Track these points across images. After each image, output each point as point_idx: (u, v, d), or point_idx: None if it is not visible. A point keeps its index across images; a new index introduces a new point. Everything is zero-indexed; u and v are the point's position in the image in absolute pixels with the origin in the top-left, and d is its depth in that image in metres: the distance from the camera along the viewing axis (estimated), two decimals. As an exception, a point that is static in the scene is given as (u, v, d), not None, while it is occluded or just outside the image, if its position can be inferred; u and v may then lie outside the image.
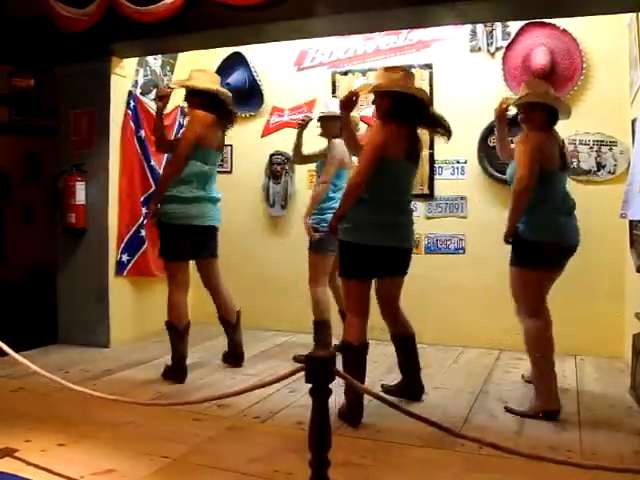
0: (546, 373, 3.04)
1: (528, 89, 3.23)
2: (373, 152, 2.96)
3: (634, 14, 3.71)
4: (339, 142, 3.87)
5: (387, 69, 3.15)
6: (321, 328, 4.08)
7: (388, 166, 2.98)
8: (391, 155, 2.97)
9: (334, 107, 3.97)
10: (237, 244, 5.35)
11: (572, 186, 4.35)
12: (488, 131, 4.55)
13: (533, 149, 3.03)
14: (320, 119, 4.16)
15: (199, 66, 5.20)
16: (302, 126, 4.23)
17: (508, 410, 3.12)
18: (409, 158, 3.07)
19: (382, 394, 2.63)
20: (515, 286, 3.17)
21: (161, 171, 4.85)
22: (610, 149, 4.27)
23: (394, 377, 3.76)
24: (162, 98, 3.84)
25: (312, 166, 4.48)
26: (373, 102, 3.21)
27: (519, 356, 3.75)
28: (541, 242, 3.06)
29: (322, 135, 4.18)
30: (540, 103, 3.17)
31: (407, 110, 3.03)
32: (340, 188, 3.91)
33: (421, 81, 4.79)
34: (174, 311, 3.76)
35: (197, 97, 3.76)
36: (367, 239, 3.00)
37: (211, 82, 3.82)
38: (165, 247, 3.77)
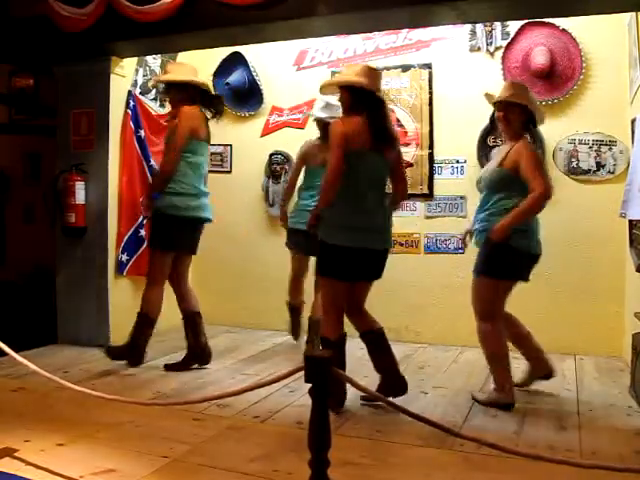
0: (500, 370, 3.17)
1: (510, 90, 3.23)
2: (336, 140, 3.01)
3: (634, 14, 3.72)
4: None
5: (349, 65, 3.25)
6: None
7: (355, 157, 3.01)
8: (355, 145, 3.01)
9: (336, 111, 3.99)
10: (237, 244, 5.36)
11: (572, 186, 4.38)
12: (487, 131, 4.56)
13: (537, 155, 3.16)
14: (317, 121, 4.18)
15: (198, 66, 5.22)
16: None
17: (473, 398, 3.29)
18: (375, 149, 3.08)
19: (381, 395, 2.62)
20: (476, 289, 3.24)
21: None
22: (610, 149, 4.27)
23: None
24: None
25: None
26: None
27: (518, 356, 3.74)
28: (518, 249, 3.11)
29: (320, 138, 4.20)
30: (520, 105, 3.18)
31: (363, 103, 3.07)
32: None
33: (421, 81, 4.80)
34: (156, 305, 3.87)
35: (176, 91, 3.79)
36: (340, 240, 3.05)
37: (189, 74, 3.84)
38: (161, 238, 3.79)
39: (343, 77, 3.23)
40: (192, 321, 3.91)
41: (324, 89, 3.34)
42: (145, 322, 3.85)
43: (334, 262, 3.10)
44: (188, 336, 3.90)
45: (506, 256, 3.09)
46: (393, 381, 3.21)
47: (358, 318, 3.29)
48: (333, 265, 3.11)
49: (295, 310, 4.56)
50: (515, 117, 3.19)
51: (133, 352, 3.87)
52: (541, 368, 3.42)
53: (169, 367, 3.85)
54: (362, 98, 3.07)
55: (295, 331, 4.61)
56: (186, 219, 3.77)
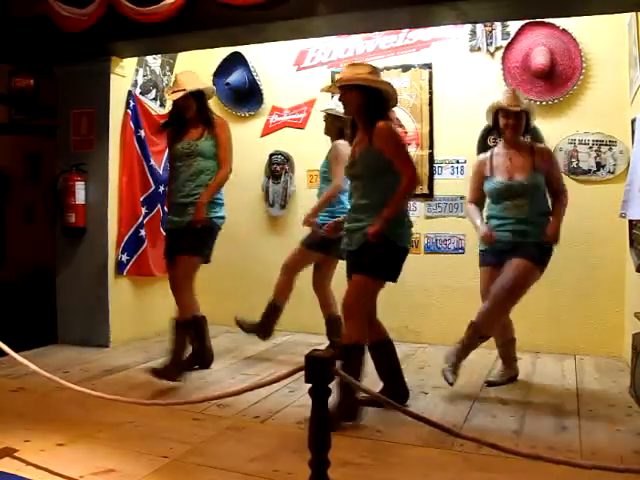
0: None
1: (516, 98, 3.37)
2: (406, 145, 3.02)
3: (634, 14, 3.71)
4: (342, 143, 3.85)
5: (360, 65, 3.13)
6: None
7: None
8: None
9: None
10: (236, 244, 5.35)
11: (572, 186, 4.37)
12: (487, 131, 4.56)
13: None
14: (327, 116, 4.06)
15: (198, 66, 5.22)
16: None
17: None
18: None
19: (381, 395, 2.62)
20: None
21: (161, 171, 4.87)
22: (610, 149, 4.27)
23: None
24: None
25: (311, 166, 4.48)
26: (341, 99, 3.09)
27: (518, 356, 3.75)
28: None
29: (326, 133, 4.12)
30: (526, 111, 3.37)
31: (382, 107, 3.03)
32: (346, 191, 3.87)
33: (421, 81, 4.80)
34: (193, 305, 3.83)
35: (203, 99, 3.79)
36: (406, 241, 3.06)
37: (199, 81, 3.85)
38: (202, 246, 3.77)
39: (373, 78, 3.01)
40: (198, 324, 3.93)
41: (331, 88, 3.23)
42: (188, 327, 3.77)
43: (395, 264, 3.04)
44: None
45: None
46: (397, 389, 3.19)
47: (373, 324, 3.22)
48: (393, 267, 3.03)
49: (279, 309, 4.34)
50: (522, 123, 3.40)
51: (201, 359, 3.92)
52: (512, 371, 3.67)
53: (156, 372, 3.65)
54: (380, 102, 3.00)
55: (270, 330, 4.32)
56: (218, 228, 3.87)
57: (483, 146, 4.59)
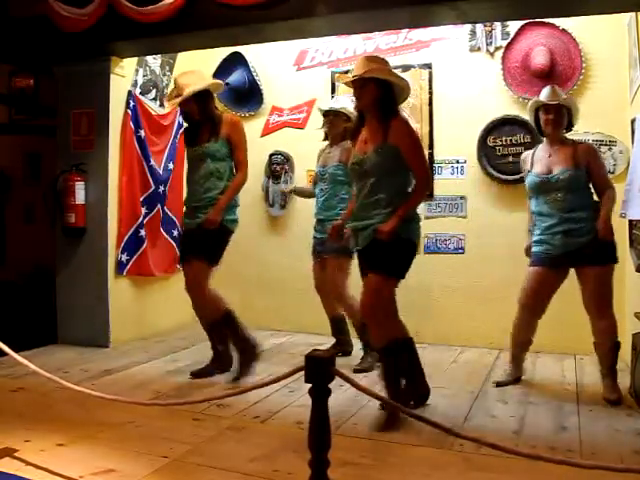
0: None
1: (556, 93, 3.35)
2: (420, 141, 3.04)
3: (634, 14, 3.71)
4: (348, 144, 3.70)
5: (375, 58, 3.05)
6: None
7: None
8: None
9: (345, 103, 3.92)
10: (236, 244, 5.31)
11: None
12: (487, 131, 4.56)
13: None
14: (327, 114, 4.00)
15: (198, 66, 5.21)
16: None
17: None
18: None
19: (381, 395, 2.61)
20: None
21: (161, 171, 4.87)
22: (610, 149, 4.27)
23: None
24: None
25: (311, 166, 4.46)
26: (360, 94, 2.98)
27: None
28: None
29: (327, 134, 4.07)
30: (565, 106, 3.35)
31: (393, 103, 3.03)
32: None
33: (421, 81, 4.80)
34: (222, 299, 3.72)
35: (205, 98, 3.63)
36: (417, 236, 3.04)
37: (198, 80, 3.66)
38: (220, 250, 3.72)
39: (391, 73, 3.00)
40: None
41: (346, 80, 3.11)
42: (229, 322, 3.71)
43: (408, 260, 2.99)
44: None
45: None
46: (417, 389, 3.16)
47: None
48: (406, 263, 2.99)
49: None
50: (563, 119, 3.38)
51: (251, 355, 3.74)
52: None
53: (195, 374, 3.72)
54: (393, 97, 2.98)
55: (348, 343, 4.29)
56: (232, 232, 3.76)
57: (483, 146, 4.59)
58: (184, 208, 3.81)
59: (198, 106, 3.60)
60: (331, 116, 3.99)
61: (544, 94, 3.39)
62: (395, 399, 2.71)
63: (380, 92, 2.91)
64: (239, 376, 3.59)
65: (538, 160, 3.44)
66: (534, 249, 3.46)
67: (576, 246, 3.29)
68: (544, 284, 3.41)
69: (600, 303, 3.34)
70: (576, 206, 3.32)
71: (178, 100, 3.57)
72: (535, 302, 3.45)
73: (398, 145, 2.89)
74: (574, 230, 3.30)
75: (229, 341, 3.75)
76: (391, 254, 2.90)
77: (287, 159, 5.20)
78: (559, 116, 3.35)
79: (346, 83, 3.10)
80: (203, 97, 3.60)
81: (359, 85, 2.92)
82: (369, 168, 2.94)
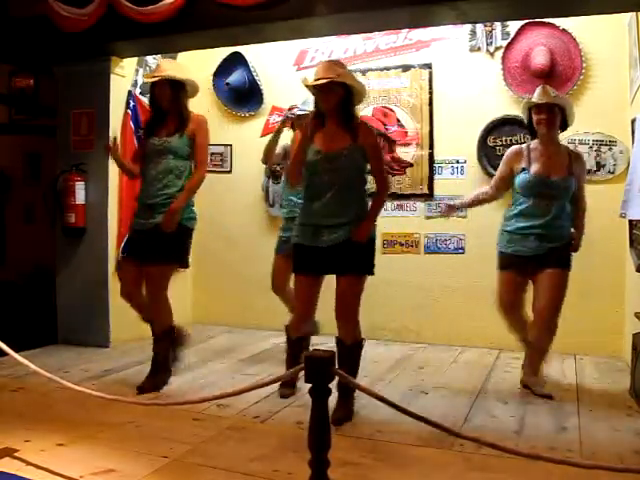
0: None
1: (548, 93, 3.32)
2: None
3: (634, 14, 3.72)
4: None
5: (334, 64, 3.08)
6: None
7: None
8: None
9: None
10: (237, 244, 5.36)
11: (572, 186, 4.38)
12: (487, 131, 4.56)
13: None
14: (298, 116, 3.90)
15: (198, 66, 5.22)
16: (284, 123, 3.92)
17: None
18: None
19: (381, 394, 2.61)
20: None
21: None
22: (610, 149, 4.27)
23: (394, 376, 3.77)
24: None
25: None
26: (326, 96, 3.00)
27: (518, 356, 3.75)
28: None
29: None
30: (559, 106, 3.33)
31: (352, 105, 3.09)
32: None
33: (421, 81, 4.80)
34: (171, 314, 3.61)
35: (181, 90, 3.48)
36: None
37: (182, 72, 3.55)
38: (184, 252, 3.58)
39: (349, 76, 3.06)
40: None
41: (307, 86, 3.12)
42: (172, 335, 3.64)
43: (373, 258, 3.07)
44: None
45: None
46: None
47: None
48: (373, 261, 3.07)
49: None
50: (556, 118, 3.34)
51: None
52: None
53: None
54: (352, 102, 3.04)
55: None
56: (192, 230, 3.61)
57: (483, 146, 4.60)
58: (138, 205, 3.58)
59: (172, 93, 3.43)
60: (297, 116, 3.90)
61: (535, 94, 3.37)
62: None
63: (345, 95, 2.98)
64: (144, 386, 3.41)
65: (535, 160, 3.37)
66: (502, 248, 3.46)
67: (545, 250, 3.33)
68: (517, 286, 3.44)
69: (550, 305, 3.31)
70: (560, 214, 3.35)
71: (156, 79, 3.41)
72: (512, 305, 3.46)
73: (365, 146, 2.99)
74: (549, 235, 3.33)
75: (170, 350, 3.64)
76: (365, 254, 3.01)
77: (287, 159, 5.19)
78: (552, 116, 3.30)
79: (313, 86, 3.05)
80: (178, 87, 3.45)
81: (327, 88, 2.97)
82: (343, 164, 2.97)
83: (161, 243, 3.40)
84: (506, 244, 3.43)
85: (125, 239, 3.79)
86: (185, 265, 3.65)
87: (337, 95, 2.97)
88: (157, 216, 3.41)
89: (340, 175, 2.98)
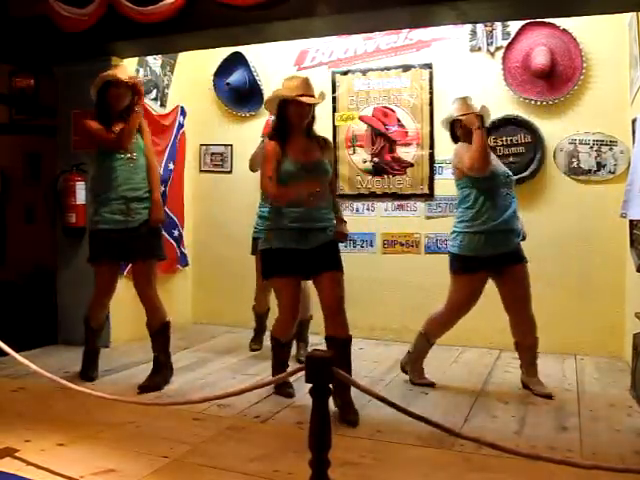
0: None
1: (465, 107, 3.49)
2: None
3: (634, 14, 3.71)
4: None
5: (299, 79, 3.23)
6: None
7: None
8: None
9: None
10: (237, 243, 5.35)
11: (572, 186, 4.39)
12: (488, 131, 4.55)
13: None
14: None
15: (199, 66, 5.22)
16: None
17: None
18: None
19: (382, 394, 2.61)
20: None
21: (161, 171, 4.86)
22: (610, 149, 4.27)
23: (394, 376, 3.77)
24: None
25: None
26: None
27: (517, 356, 3.75)
28: None
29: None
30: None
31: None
32: None
33: (421, 80, 4.80)
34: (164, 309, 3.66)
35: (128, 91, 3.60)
36: None
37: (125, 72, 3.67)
38: (159, 247, 3.71)
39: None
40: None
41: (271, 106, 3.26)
42: (166, 334, 3.66)
43: None
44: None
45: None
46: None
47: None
48: None
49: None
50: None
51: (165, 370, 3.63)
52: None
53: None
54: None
55: None
56: None
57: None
58: (112, 203, 3.55)
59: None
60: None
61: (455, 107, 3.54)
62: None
63: (313, 111, 3.22)
64: (146, 385, 3.44)
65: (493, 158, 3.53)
66: (461, 250, 3.57)
67: (513, 247, 3.42)
68: (480, 289, 3.55)
69: (527, 299, 3.42)
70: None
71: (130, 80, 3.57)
72: (470, 308, 3.59)
73: (329, 159, 3.30)
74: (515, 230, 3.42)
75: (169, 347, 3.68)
76: (338, 252, 3.25)
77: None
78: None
79: (309, 103, 3.16)
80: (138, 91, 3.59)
81: (308, 105, 3.15)
82: (324, 172, 3.19)
83: (146, 238, 3.53)
84: (467, 246, 3.60)
85: (92, 244, 3.74)
86: (165, 257, 3.81)
87: (310, 111, 3.19)
88: (142, 212, 3.53)
89: (321, 181, 3.14)
